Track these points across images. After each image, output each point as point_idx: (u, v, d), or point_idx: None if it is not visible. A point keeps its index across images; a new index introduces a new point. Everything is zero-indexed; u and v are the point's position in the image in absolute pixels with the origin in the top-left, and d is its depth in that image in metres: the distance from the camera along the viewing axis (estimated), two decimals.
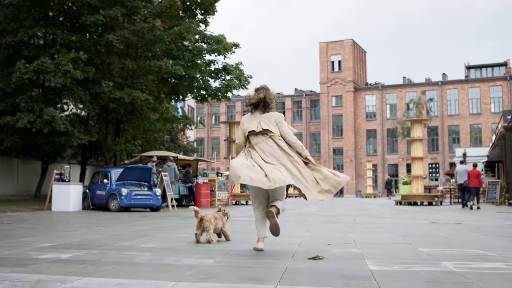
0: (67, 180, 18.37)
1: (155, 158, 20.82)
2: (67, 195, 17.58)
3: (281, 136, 5.62)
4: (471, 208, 19.69)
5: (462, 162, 22.24)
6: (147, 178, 18.14)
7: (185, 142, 39.02)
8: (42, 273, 4.09)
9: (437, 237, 7.82)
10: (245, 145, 5.71)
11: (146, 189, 17.98)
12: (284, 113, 70.71)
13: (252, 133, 5.60)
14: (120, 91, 20.50)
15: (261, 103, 5.72)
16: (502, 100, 68.82)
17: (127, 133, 24.47)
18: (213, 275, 4.02)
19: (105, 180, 18.15)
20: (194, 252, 5.54)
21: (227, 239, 6.83)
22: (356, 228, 9.67)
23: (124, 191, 17.06)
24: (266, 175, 5.20)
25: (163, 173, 18.82)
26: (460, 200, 28.13)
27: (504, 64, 71.87)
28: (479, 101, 69.90)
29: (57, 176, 18.37)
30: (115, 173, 18.15)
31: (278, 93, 78.19)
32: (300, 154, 5.56)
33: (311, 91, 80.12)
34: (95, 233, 8.05)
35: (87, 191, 19.19)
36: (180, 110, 41.15)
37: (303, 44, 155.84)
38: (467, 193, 20.71)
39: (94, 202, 18.73)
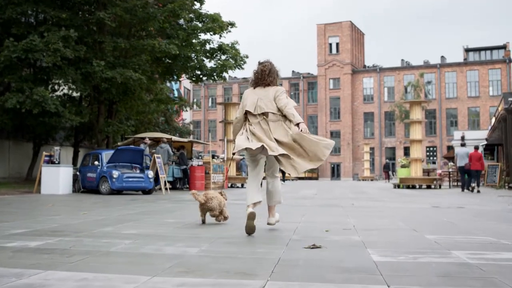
0: (56, 162, 17.82)
1: (147, 140, 20.28)
2: (56, 177, 17.04)
3: (279, 109, 5.58)
4: (472, 190, 19.26)
5: (463, 145, 21.78)
6: (139, 160, 17.63)
7: (180, 124, 38.43)
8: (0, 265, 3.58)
9: (441, 222, 7.33)
10: (244, 121, 5.73)
11: (138, 171, 17.48)
12: None
13: (250, 113, 5.62)
14: (112, 70, 19.91)
15: (263, 76, 5.72)
16: (500, 83, 68.29)
17: (119, 114, 23.89)
18: (195, 268, 3.51)
19: (96, 162, 17.63)
20: (178, 240, 5.04)
21: (225, 219, 6.73)
22: (355, 212, 9.19)
23: (115, 173, 16.55)
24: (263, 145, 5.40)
25: (155, 155, 18.29)
26: (459, 184, 27.79)
27: (503, 47, 71.20)
28: (477, 84, 69.35)
29: (47, 158, 17.81)
30: (106, 155, 17.63)
31: None
32: (292, 121, 5.57)
33: (309, 73, 79.42)
34: (77, 218, 7.55)
35: (78, 173, 18.68)
36: (176, 92, 40.46)
37: (300, 26, 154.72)
38: (468, 176, 20.28)
39: (84, 185, 18.23)
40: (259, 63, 5.85)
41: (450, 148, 59.52)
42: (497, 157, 32.15)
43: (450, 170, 28.74)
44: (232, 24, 23.37)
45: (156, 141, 22.08)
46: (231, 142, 26.55)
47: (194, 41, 23.06)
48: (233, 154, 6.16)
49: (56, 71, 20.27)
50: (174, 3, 20.46)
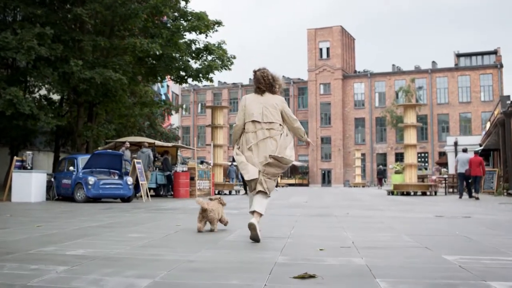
0: (29, 167, 16.64)
1: (127, 144, 19.11)
2: (28, 184, 15.85)
3: (286, 122, 5.61)
4: (476, 198, 18.22)
5: (464, 150, 20.69)
6: (118, 165, 16.45)
7: (166, 129, 37.21)
8: None
9: (455, 237, 6.25)
10: (243, 129, 5.60)
11: (116, 177, 16.30)
12: None
13: (255, 121, 5.48)
14: (91, 70, 18.72)
15: (268, 83, 5.62)
16: (492, 88, 67.71)
17: (100, 118, 22.65)
18: None
19: (71, 168, 16.44)
20: (131, 265, 3.91)
21: (225, 225, 6.65)
22: (351, 223, 8.09)
23: (91, 179, 15.37)
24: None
25: (135, 160, 17.13)
26: (455, 190, 26.80)
27: (495, 52, 70.63)
28: (469, 89, 68.72)
29: (18, 163, 16.62)
30: (82, 159, 16.43)
31: None
32: (301, 137, 5.78)
33: (299, 78, 78.47)
34: (26, 232, 6.39)
35: (53, 179, 17.47)
36: (163, 96, 39.24)
37: (291, 31, 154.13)
38: (467, 183, 19.29)
39: (60, 192, 17.05)
40: (257, 70, 5.71)
41: (442, 154, 58.74)
42: (493, 162, 31.22)
43: (445, 176, 27.72)
44: (219, 23, 22.25)
45: (138, 146, 20.94)
46: (217, 147, 25.42)
47: (179, 41, 21.92)
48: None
49: (32, 71, 19.10)
50: None
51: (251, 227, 5.24)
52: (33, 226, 7.18)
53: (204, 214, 6.26)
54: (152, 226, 7.42)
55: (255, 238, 5.29)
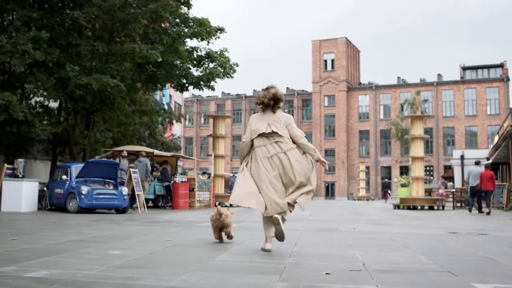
0: (20, 175, 15.96)
1: (125, 153, 18.43)
2: (19, 193, 15.17)
3: (291, 138, 5.55)
4: (488, 213, 17.44)
5: (477, 163, 19.88)
6: (113, 174, 15.73)
7: (168, 139, 36.52)
8: None
9: (478, 258, 5.51)
10: (251, 145, 5.66)
11: (111, 187, 15.58)
12: None
13: (261, 135, 5.53)
14: (88, 76, 18.08)
15: (272, 102, 5.65)
16: (498, 102, 66.92)
17: (97, 126, 21.96)
18: None
19: (64, 177, 15.74)
20: None
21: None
22: (359, 240, 7.37)
23: (84, 189, 14.65)
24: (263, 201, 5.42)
25: (131, 170, 16.42)
26: (465, 204, 26.00)
27: (501, 66, 69.90)
28: (475, 102, 67.93)
29: (9, 171, 15.96)
30: (76, 168, 15.73)
31: None
32: (312, 156, 5.56)
33: (303, 90, 77.82)
34: None
35: (45, 189, 16.79)
36: (166, 106, 38.62)
37: (296, 43, 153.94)
38: (477, 197, 18.54)
39: (52, 202, 16.36)
40: (265, 89, 5.73)
41: (448, 167, 57.91)
42: (502, 176, 30.40)
43: (453, 190, 26.91)
44: (221, 30, 21.60)
45: (136, 155, 20.26)
46: (218, 158, 24.72)
47: (181, 48, 21.29)
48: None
49: (27, 76, 18.50)
50: (157, 3, 18.65)
51: (275, 221, 5.36)
52: (7, 239, 6.47)
53: (219, 221, 6.14)
54: (139, 241, 6.70)
55: (278, 236, 5.50)
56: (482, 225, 11.84)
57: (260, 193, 5.42)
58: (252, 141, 5.63)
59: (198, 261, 4.71)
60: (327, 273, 4.10)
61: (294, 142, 5.55)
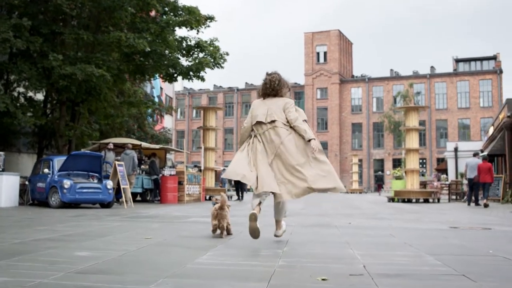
0: (0, 169, 15.28)
1: (111, 145, 17.77)
2: None
3: (288, 121, 5.57)
4: (485, 206, 16.91)
5: (475, 155, 19.34)
6: (97, 168, 15.09)
7: (158, 132, 35.80)
8: None
9: (490, 257, 4.93)
10: (252, 130, 5.72)
11: (95, 181, 14.93)
12: None
13: (259, 122, 5.59)
14: (72, 66, 17.38)
15: (272, 87, 5.72)
16: (491, 94, 66.58)
17: (83, 118, 21.23)
18: None
19: (46, 170, 15.07)
20: None
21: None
22: (356, 236, 6.78)
23: (67, 183, 14.00)
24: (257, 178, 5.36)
25: (117, 163, 15.76)
26: (458, 197, 25.54)
27: (494, 58, 69.51)
28: (468, 95, 67.54)
29: None
30: (58, 161, 15.06)
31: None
32: (303, 137, 5.53)
33: (296, 83, 77.09)
34: None
35: (27, 183, 16.12)
36: (156, 99, 37.84)
37: (288, 36, 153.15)
38: (476, 189, 18.04)
39: (35, 197, 15.71)
40: (268, 74, 5.82)
41: (441, 160, 57.56)
42: (497, 168, 29.92)
43: (448, 182, 26.42)
44: (211, 18, 20.92)
45: (123, 148, 19.60)
46: (209, 150, 24.07)
47: (169, 37, 20.60)
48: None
49: (8, 65, 17.79)
50: None
51: (252, 217, 5.30)
52: None
53: (221, 211, 6.04)
54: (114, 239, 6.07)
55: (252, 233, 5.39)
56: (482, 219, 11.31)
57: (254, 171, 5.42)
58: (252, 126, 5.69)
59: (175, 264, 4.09)
60: (323, 279, 3.51)
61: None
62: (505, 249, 5.51)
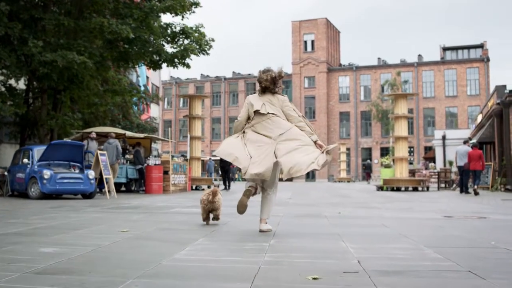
0: None
1: (93, 134, 17.26)
2: None
3: (288, 120, 5.60)
4: (475, 193, 16.63)
5: (465, 142, 19.05)
6: (79, 157, 14.58)
7: (144, 121, 35.21)
8: None
9: (492, 249, 4.57)
10: (245, 124, 5.72)
11: (77, 171, 14.44)
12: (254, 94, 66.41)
13: (257, 112, 5.58)
14: (53, 53, 16.79)
15: (269, 85, 5.70)
16: (478, 82, 66.51)
17: (65, 106, 20.65)
18: None
19: (25, 160, 14.55)
20: None
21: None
22: (347, 227, 6.40)
23: (47, 173, 13.49)
24: (251, 160, 5.30)
25: (99, 152, 15.27)
26: (448, 185, 25.33)
27: (481, 46, 69.42)
28: (455, 83, 67.44)
29: None
30: (38, 151, 14.54)
31: (249, 74, 74.57)
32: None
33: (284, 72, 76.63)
34: None
35: (6, 174, 15.60)
36: (142, 88, 37.19)
37: (276, 25, 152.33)
38: (466, 177, 17.78)
39: (14, 188, 15.18)
40: (262, 72, 5.79)
41: (429, 148, 57.51)
42: (486, 156, 29.77)
43: (438, 170, 26.20)
44: (196, 4, 20.37)
45: (106, 137, 19.09)
46: (195, 139, 23.62)
47: (154, 24, 20.05)
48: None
49: None
50: None
51: (246, 193, 5.43)
52: None
53: (211, 203, 6.12)
54: (87, 233, 5.63)
55: (239, 207, 5.47)
56: (475, 207, 11.00)
57: (247, 154, 5.39)
58: (247, 120, 5.70)
59: (149, 261, 3.67)
60: (314, 278, 3.11)
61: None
62: (506, 241, 5.15)
